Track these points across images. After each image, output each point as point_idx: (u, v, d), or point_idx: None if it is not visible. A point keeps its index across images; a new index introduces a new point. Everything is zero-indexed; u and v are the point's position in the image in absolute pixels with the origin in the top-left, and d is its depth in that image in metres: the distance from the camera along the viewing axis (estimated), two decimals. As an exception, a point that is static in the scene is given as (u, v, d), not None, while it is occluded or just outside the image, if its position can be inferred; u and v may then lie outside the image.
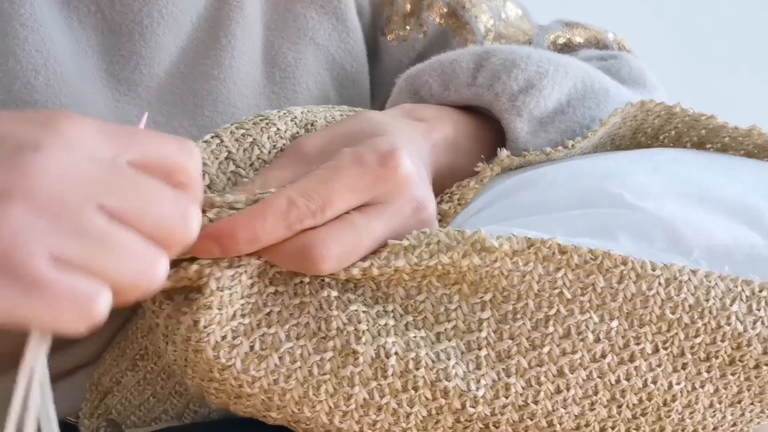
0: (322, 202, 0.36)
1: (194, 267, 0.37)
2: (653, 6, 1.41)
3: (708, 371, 0.41)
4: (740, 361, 0.41)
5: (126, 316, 0.55)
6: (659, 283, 0.39)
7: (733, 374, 0.42)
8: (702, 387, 0.41)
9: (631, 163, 0.46)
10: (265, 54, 0.59)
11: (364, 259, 0.38)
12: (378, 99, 0.67)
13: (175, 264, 0.37)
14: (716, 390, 0.42)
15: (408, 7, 0.64)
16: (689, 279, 0.40)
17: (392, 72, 0.65)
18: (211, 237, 0.36)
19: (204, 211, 0.37)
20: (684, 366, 0.41)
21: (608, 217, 0.41)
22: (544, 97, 0.47)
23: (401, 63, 0.65)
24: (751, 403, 0.43)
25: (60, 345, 0.54)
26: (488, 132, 0.49)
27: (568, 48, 0.64)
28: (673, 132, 0.52)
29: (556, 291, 0.38)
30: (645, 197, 0.43)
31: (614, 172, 0.44)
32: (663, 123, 0.51)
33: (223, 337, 0.37)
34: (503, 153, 0.46)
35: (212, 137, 0.43)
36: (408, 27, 0.64)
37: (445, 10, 0.64)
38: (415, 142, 0.43)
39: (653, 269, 0.39)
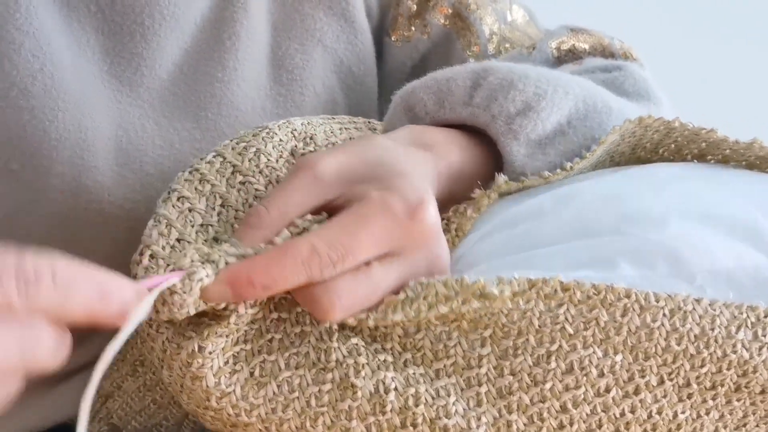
0: (345, 252, 0.36)
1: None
2: (656, 7, 1.40)
3: (713, 399, 0.40)
4: (746, 387, 0.40)
5: None
6: (664, 314, 0.38)
7: (738, 400, 0.41)
8: (707, 414, 0.40)
9: (631, 184, 0.45)
10: (271, 55, 0.57)
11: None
12: (382, 99, 0.66)
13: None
14: (721, 416, 0.41)
15: (414, 7, 0.63)
16: (694, 308, 0.39)
17: (395, 73, 0.65)
18: (227, 282, 0.35)
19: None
20: (689, 396, 0.40)
21: (608, 245, 0.40)
22: (542, 119, 0.46)
23: (404, 65, 0.64)
24: (756, 426, 0.43)
25: None
26: (487, 154, 0.47)
27: (572, 54, 0.62)
28: (672, 145, 0.50)
29: (558, 326, 0.37)
30: (645, 221, 0.41)
31: (614, 196, 0.43)
32: (662, 137, 0.50)
33: (225, 363, 0.37)
34: (500, 179, 0.44)
35: (214, 156, 0.42)
36: (413, 28, 0.63)
37: (450, 11, 0.63)
38: (427, 176, 0.42)
39: (657, 300, 0.38)
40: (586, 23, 0.64)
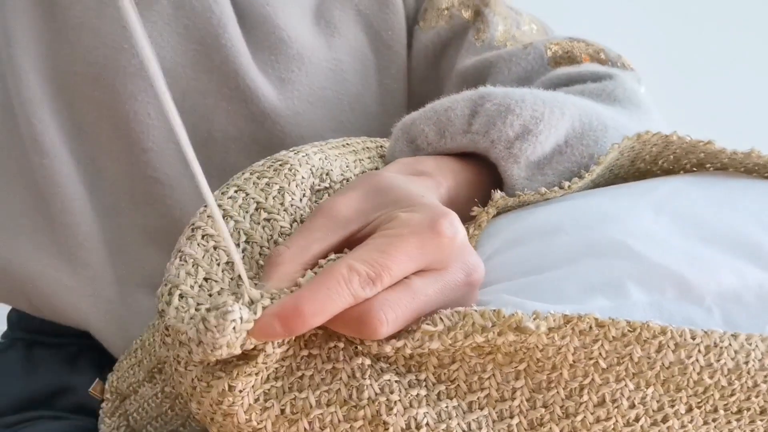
0: (381, 269, 0.35)
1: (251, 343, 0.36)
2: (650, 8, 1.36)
3: (738, 420, 0.41)
4: None
5: None
6: (699, 351, 0.38)
7: (761, 420, 0.41)
8: None
9: (632, 203, 0.45)
10: (315, 8, 0.69)
11: (398, 337, 0.36)
12: (410, 82, 0.72)
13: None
14: None
15: (444, 3, 0.71)
16: (730, 344, 0.38)
17: (419, 55, 0.71)
18: (275, 315, 0.34)
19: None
20: (715, 419, 0.40)
21: (617, 269, 0.40)
22: (541, 142, 0.47)
23: (427, 48, 0.71)
24: None
25: None
26: (485, 177, 0.48)
27: (568, 57, 0.64)
28: (671, 156, 0.51)
29: (592, 361, 0.37)
30: (650, 244, 0.41)
31: (616, 215, 0.43)
32: (661, 150, 0.50)
33: (256, 400, 0.37)
34: (497, 195, 0.45)
35: (236, 191, 0.42)
36: (440, 20, 0.70)
37: (472, 11, 0.70)
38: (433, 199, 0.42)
39: (693, 337, 0.38)
40: (585, 28, 0.71)
